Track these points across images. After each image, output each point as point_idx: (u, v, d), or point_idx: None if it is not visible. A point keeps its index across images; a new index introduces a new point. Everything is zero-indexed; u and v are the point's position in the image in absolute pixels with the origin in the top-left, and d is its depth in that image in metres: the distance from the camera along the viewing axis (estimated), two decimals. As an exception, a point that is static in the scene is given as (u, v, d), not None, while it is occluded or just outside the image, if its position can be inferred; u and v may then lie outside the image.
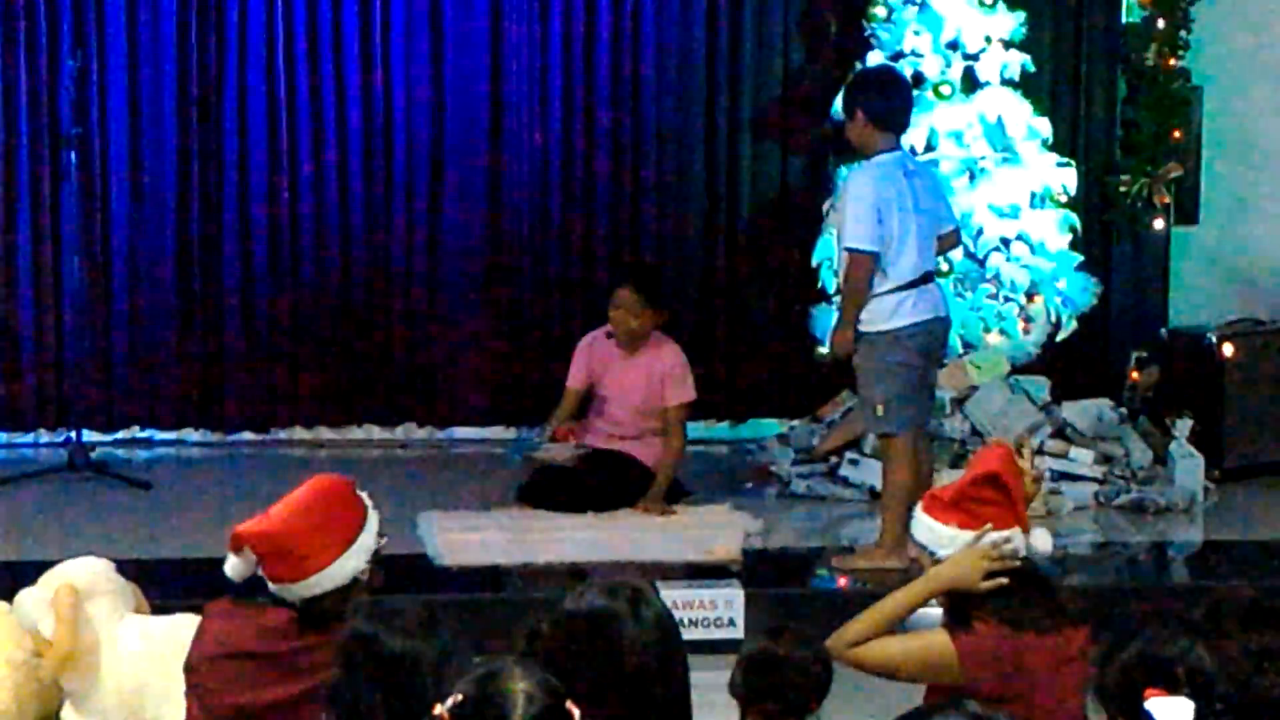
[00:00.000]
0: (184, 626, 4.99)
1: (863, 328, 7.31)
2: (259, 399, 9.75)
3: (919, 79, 8.89)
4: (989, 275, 8.92)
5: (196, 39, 9.53)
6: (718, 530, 7.96)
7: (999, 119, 8.98)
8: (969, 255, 8.78)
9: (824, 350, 8.90)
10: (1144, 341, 9.60)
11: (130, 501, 8.50)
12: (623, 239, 9.92)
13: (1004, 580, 4.27)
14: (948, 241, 7.69)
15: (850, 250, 7.31)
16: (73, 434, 9.00)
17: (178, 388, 9.68)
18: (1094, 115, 9.88)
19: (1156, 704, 3.21)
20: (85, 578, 5.23)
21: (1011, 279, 8.93)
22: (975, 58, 9.02)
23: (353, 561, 4.18)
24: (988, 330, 8.94)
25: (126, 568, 5.46)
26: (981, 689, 4.13)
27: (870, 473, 8.40)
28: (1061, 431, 8.73)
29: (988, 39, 9.02)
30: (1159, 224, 9.70)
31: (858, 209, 7.27)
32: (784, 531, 8.22)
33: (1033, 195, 9.00)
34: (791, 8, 9.85)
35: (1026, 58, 9.08)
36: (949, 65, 8.99)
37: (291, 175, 9.66)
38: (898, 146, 7.52)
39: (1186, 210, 9.83)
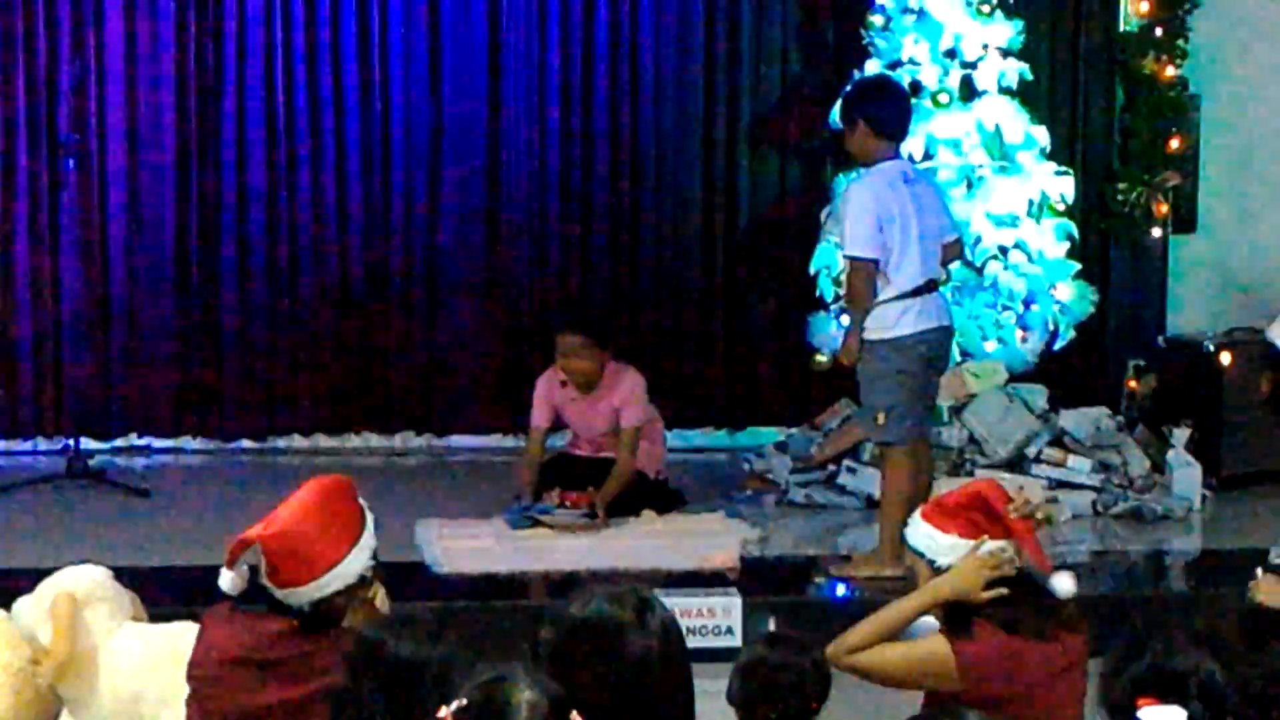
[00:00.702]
0: (182, 634, 4.99)
1: (867, 335, 7.30)
2: (257, 407, 9.76)
3: (917, 87, 8.90)
4: (987, 284, 8.93)
5: (195, 46, 9.53)
6: (715, 538, 7.97)
7: (997, 127, 8.98)
8: (967, 264, 8.78)
9: (822, 358, 8.91)
10: (1142, 350, 9.61)
11: (128, 509, 8.50)
12: (621, 248, 9.92)
13: (1004, 590, 4.28)
14: (952, 251, 7.67)
15: (851, 258, 7.32)
16: (71, 442, 9.01)
17: (176, 396, 9.69)
18: (1092, 124, 9.89)
19: (1150, 713, 3.20)
20: (83, 585, 5.22)
21: (1009, 287, 8.94)
22: (973, 66, 9.03)
23: (360, 558, 4.20)
24: (986, 339, 8.94)
25: (124, 575, 5.45)
26: (980, 696, 4.13)
27: (868, 481, 8.39)
28: (1059, 440, 8.73)
29: (985, 47, 9.03)
30: (1157, 232, 9.71)
31: (857, 217, 7.27)
32: (782, 539, 8.22)
33: (1030, 204, 8.99)
34: (790, 16, 9.86)
35: (1024, 66, 9.09)
36: (947, 74, 8.99)
37: (289, 183, 9.67)
38: (897, 155, 7.52)
39: (1184, 219, 9.84)
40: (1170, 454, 8.74)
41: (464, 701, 2.95)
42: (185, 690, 4.39)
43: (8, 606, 5.28)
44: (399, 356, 9.83)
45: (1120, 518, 8.49)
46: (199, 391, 9.71)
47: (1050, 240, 9.04)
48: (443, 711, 2.94)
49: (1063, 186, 9.09)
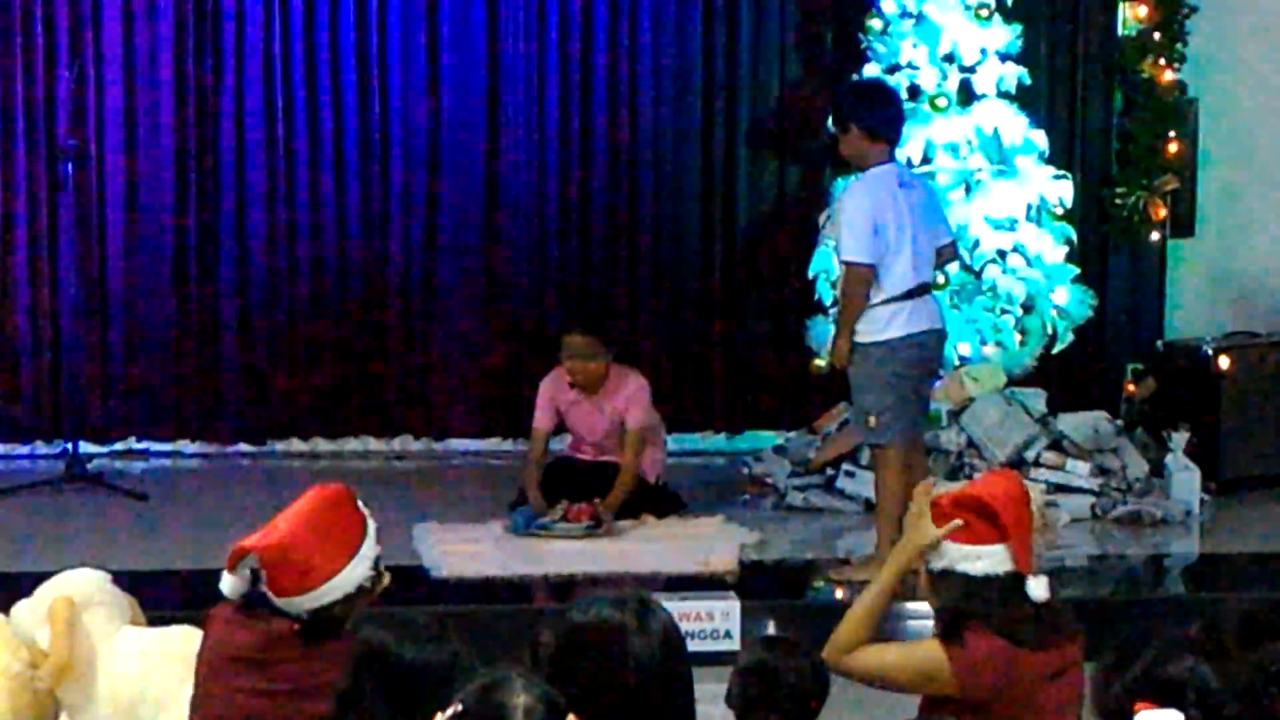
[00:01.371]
0: (180, 638, 5.00)
1: (858, 338, 7.32)
2: (256, 411, 9.75)
3: (915, 92, 8.91)
4: (985, 288, 8.92)
5: (193, 50, 9.53)
6: (714, 542, 7.97)
7: (995, 131, 8.98)
8: (965, 267, 8.79)
9: (820, 362, 8.91)
10: (1140, 354, 9.62)
11: (127, 513, 8.49)
12: (620, 252, 9.92)
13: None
14: (946, 254, 7.69)
15: (847, 263, 7.33)
16: (69, 445, 9.00)
17: (174, 399, 9.69)
18: (1090, 128, 9.89)
19: (1146, 717, 3.20)
20: (81, 589, 5.22)
21: (1008, 291, 8.93)
22: (971, 70, 9.03)
23: (359, 569, 4.20)
24: (984, 342, 8.94)
25: (123, 579, 5.45)
26: (976, 699, 4.13)
27: (866, 485, 8.38)
28: (1058, 444, 8.73)
29: (984, 52, 9.03)
30: (1155, 236, 9.72)
31: (853, 221, 7.28)
32: (780, 543, 8.22)
33: (1029, 208, 9.00)
34: (788, 20, 9.87)
35: (1023, 70, 9.09)
36: (945, 78, 8.99)
37: (288, 187, 9.67)
38: (892, 158, 7.53)
39: (1183, 223, 9.84)
40: (1169, 458, 8.74)
41: (460, 706, 2.94)
42: (184, 693, 4.39)
43: (6, 610, 5.27)
44: (397, 361, 9.84)
45: (1119, 521, 8.49)
46: (197, 395, 9.71)
47: (1049, 244, 9.04)
48: (439, 717, 2.93)
49: (1061, 190, 9.09)
